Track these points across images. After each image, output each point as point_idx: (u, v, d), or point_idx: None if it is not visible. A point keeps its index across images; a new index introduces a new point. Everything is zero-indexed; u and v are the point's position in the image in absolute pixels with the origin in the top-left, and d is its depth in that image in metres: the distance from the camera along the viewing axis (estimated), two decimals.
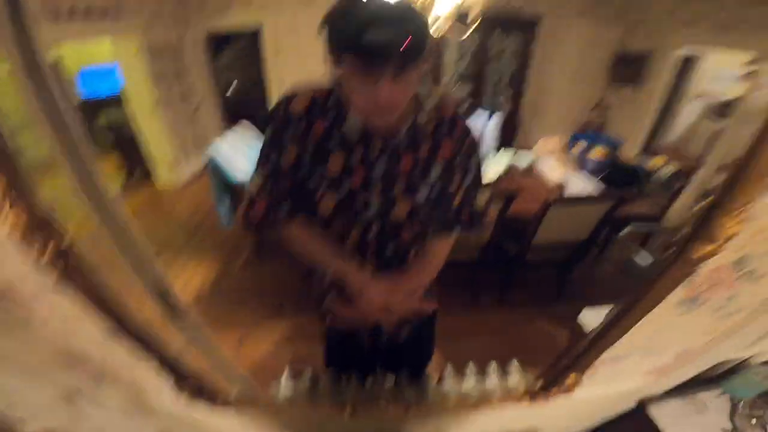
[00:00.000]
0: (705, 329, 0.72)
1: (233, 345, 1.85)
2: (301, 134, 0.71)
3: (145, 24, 3.18)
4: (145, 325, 0.61)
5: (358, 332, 0.97)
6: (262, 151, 0.74)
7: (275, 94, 3.96)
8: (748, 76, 3.63)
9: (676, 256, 0.55)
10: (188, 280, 2.29)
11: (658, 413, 0.93)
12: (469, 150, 0.77)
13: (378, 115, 0.64)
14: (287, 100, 0.71)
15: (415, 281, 0.84)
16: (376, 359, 1.09)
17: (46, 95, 0.44)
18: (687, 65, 3.60)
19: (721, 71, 3.67)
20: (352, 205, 0.74)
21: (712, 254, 0.52)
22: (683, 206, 2.11)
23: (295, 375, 1.09)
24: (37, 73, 0.43)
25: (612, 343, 0.72)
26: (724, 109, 3.76)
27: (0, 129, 0.37)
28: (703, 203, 0.51)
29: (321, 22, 0.60)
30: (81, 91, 4.48)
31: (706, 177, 2.13)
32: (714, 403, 0.94)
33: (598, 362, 0.79)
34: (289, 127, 0.71)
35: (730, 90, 3.71)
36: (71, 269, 0.45)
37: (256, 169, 0.75)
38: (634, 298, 0.64)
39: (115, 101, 3.82)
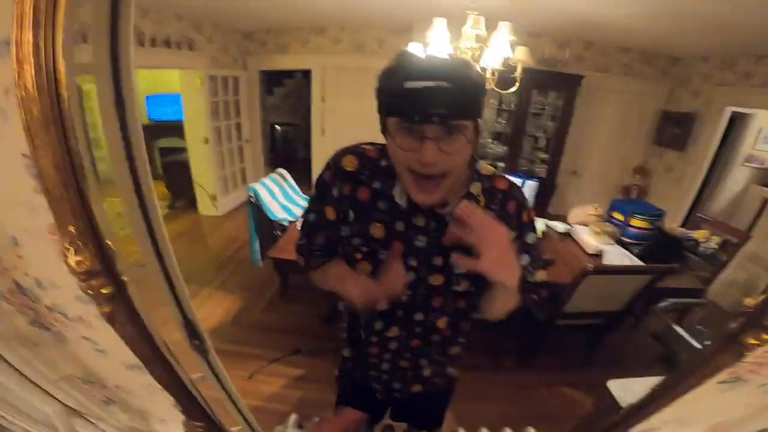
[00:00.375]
0: (744, 403, 0.69)
1: (243, 378, 1.85)
2: (347, 194, 0.69)
3: (212, 58, 3.50)
4: (170, 356, 0.62)
5: (372, 379, 0.93)
6: (312, 199, 0.76)
7: (317, 140, 4.13)
8: None
9: (727, 343, 0.54)
10: (210, 311, 2.34)
11: None
12: (523, 225, 0.70)
13: (421, 189, 0.60)
14: (339, 156, 0.70)
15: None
16: (386, 410, 1.05)
17: (124, 114, 0.47)
18: (736, 126, 3.43)
19: None
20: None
21: (764, 344, 0.51)
22: (727, 281, 1.96)
23: (302, 421, 1.06)
24: (122, 91, 0.46)
25: (646, 418, 0.69)
26: None
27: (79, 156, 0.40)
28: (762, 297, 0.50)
29: (375, 89, 0.58)
30: (149, 115, 4.93)
31: (754, 249, 1.99)
32: None
33: None
34: (336, 184, 0.69)
35: None
36: (120, 306, 0.48)
37: (306, 214, 0.79)
38: (678, 376, 0.62)
39: (174, 128, 4.11)
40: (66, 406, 0.70)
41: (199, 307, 2.37)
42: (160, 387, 0.65)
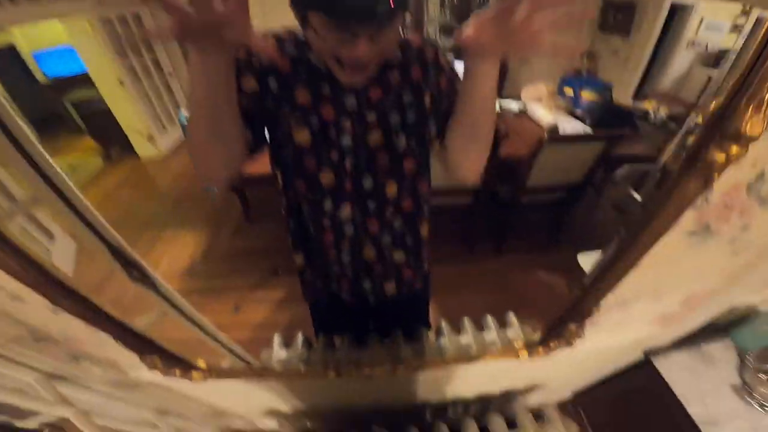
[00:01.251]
0: (716, 266, 0.66)
1: (229, 312, 1.83)
2: (265, 67, 0.64)
3: (96, 1, 2.95)
4: (91, 298, 0.57)
5: (337, 285, 0.90)
6: None
7: None
8: (735, 28, 3.59)
9: (690, 164, 0.48)
10: (177, 252, 2.24)
11: (665, 366, 0.89)
12: (439, 70, 0.69)
13: (351, 76, 0.60)
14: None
15: None
16: (366, 320, 1.04)
17: None
18: (677, 15, 3.52)
19: (713, 22, 3.62)
20: (326, 136, 0.68)
21: (733, 160, 0.44)
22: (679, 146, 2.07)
23: (288, 341, 1.06)
24: None
25: (615, 283, 0.66)
26: (716, 59, 3.69)
27: None
28: (716, 100, 0.44)
29: None
30: (44, 72, 4.30)
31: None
32: (722, 355, 0.89)
33: (601, 308, 0.73)
34: (252, 61, 0.63)
35: (722, 41, 3.65)
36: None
37: None
38: (640, 224, 0.57)
39: (83, 80, 3.60)
40: (43, 372, 0.67)
41: (166, 250, 2.26)
42: (94, 328, 0.60)
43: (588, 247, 1.33)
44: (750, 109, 0.41)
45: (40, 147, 0.47)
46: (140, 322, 0.71)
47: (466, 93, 0.61)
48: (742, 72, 0.41)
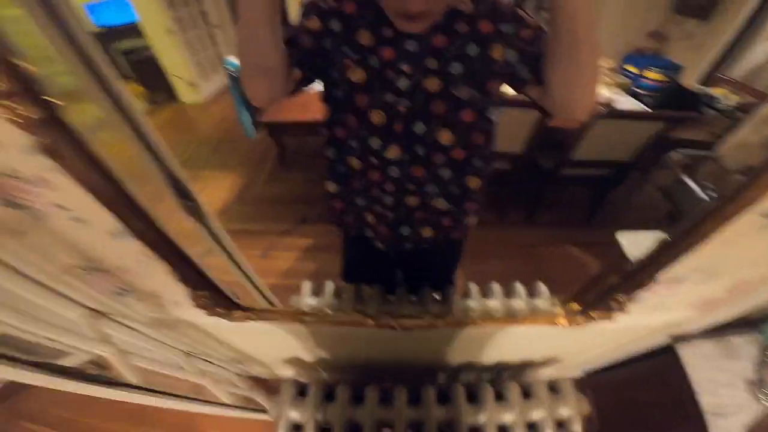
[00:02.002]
0: None
1: (257, 257, 1.88)
2: (331, 8, 0.66)
3: None
4: (163, 227, 0.57)
5: (373, 223, 0.90)
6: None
7: (293, 9, 3.76)
8: None
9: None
10: (213, 193, 2.31)
11: (688, 353, 0.87)
12: (519, 22, 0.66)
13: (410, 26, 0.61)
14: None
15: None
16: (396, 269, 1.05)
17: (62, 28, 0.42)
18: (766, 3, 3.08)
19: None
20: (383, 77, 0.67)
21: None
22: (739, 140, 1.90)
23: (317, 290, 1.07)
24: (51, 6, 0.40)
25: (676, 258, 0.62)
26: None
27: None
28: None
29: None
30: (94, 22, 4.42)
31: None
32: (745, 349, 0.87)
33: (653, 283, 0.69)
34: (319, 3, 0.66)
35: None
36: (60, 136, 0.40)
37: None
38: (711, 207, 0.53)
39: (132, 29, 3.76)
40: (88, 308, 0.68)
41: (200, 191, 2.32)
42: (153, 256, 0.60)
43: (623, 227, 1.26)
44: None
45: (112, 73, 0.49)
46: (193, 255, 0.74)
47: (559, 18, 0.55)
48: None
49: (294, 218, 2.03)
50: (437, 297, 0.95)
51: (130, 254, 0.58)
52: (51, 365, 0.60)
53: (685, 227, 0.60)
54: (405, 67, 0.66)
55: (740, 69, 3.60)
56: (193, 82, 3.64)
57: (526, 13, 0.67)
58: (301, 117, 1.88)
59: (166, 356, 0.91)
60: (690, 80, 2.79)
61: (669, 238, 0.64)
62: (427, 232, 0.90)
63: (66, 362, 0.72)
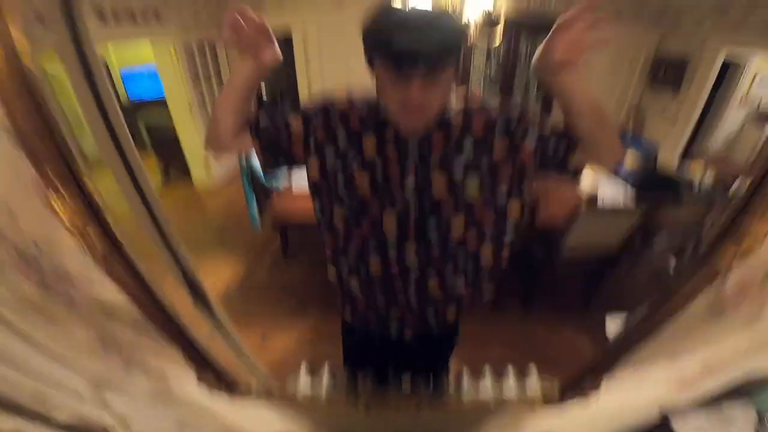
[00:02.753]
0: (734, 338, 0.69)
1: (255, 340, 1.90)
2: (334, 123, 0.76)
3: (183, 25, 3.31)
4: (175, 313, 0.64)
5: (377, 327, 0.96)
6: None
7: (305, 100, 4.00)
8: None
9: (702, 261, 0.53)
10: (217, 277, 2.38)
11: (682, 426, 0.87)
12: (509, 123, 0.73)
13: (410, 119, 0.68)
14: (323, 99, 0.79)
15: None
16: (394, 357, 1.07)
17: (95, 94, 0.49)
18: (731, 71, 3.40)
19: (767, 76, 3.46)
20: (389, 185, 0.75)
21: (742, 256, 0.49)
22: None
23: (313, 371, 1.11)
24: (89, 72, 0.48)
25: (635, 345, 0.70)
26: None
27: (57, 124, 0.41)
28: (732, 206, 0.49)
29: (361, 31, 0.64)
30: (127, 93, 4.78)
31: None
32: (741, 417, 0.86)
33: (620, 366, 0.75)
34: (320, 114, 0.77)
35: None
36: (113, 254, 0.48)
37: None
38: (659, 300, 0.62)
39: (157, 103, 3.98)
40: (94, 379, 0.72)
41: (206, 274, 2.37)
42: (168, 338, 0.67)
43: (621, 309, 1.28)
44: (756, 217, 0.47)
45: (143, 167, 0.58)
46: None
47: (568, 107, 0.68)
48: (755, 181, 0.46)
49: (295, 305, 2.07)
50: (433, 382, 0.99)
51: (147, 336, 0.65)
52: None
53: (640, 316, 0.67)
54: (411, 168, 0.74)
55: (716, 141, 3.79)
56: (207, 162, 3.78)
57: (530, 114, 0.74)
58: (306, 218, 1.97)
59: (161, 425, 0.92)
60: (669, 157, 2.94)
61: (622, 333, 0.70)
62: (450, 315, 0.95)
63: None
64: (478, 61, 3.60)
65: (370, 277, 0.87)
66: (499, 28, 1.96)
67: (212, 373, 0.79)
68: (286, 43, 3.90)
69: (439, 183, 0.74)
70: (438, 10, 0.62)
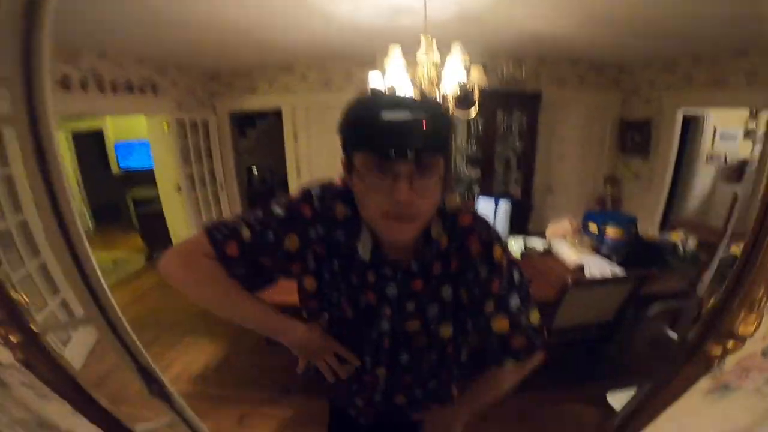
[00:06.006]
0: (745, 409, 0.62)
1: (233, 423, 1.77)
2: (321, 236, 0.66)
3: (177, 102, 3.44)
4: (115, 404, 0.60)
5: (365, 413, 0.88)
6: (264, 215, 0.65)
7: (293, 180, 4.09)
8: (748, 134, 3.62)
9: (692, 355, 0.51)
10: (194, 358, 2.26)
11: None
12: (494, 264, 0.65)
13: (395, 228, 0.56)
14: (328, 199, 0.66)
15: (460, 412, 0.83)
16: None
17: (46, 164, 0.47)
18: (692, 128, 3.62)
19: (726, 131, 3.69)
20: (366, 315, 0.70)
21: (731, 352, 0.47)
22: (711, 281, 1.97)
23: None
24: (42, 141, 0.46)
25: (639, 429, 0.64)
26: (738, 171, 3.68)
27: None
28: (713, 299, 0.47)
29: (338, 125, 0.57)
30: (119, 163, 4.86)
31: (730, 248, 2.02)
32: None
33: None
34: (315, 225, 0.66)
35: (739, 149, 3.70)
36: (35, 354, 0.47)
37: (248, 220, 0.65)
38: (655, 388, 0.60)
39: (147, 177, 4.03)
40: None
41: (183, 354, 2.31)
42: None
43: (624, 380, 1.21)
44: (742, 312, 0.44)
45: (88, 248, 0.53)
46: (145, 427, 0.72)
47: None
48: (735, 273, 0.44)
49: (276, 387, 1.95)
50: None
51: (89, 427, 0.58)
52: None
53: (633, 406, 0.64)
54: (387, 311, 0.68)
55: (692, 203, 3.93)
56: None
57: (504, 256, 0.67)
58: (288, 303, 1.91)
59: None
60: (649, 228, 2.99)
61: (620, 420, 0.66)
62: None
63: None
64: (459, 140, 3.68)
65: (347, 380, 0.81)
66: (476, 98, 2.03)
67: None
68: (276, 116, 4.10)
69: (413, 328, 0.70)
70: (426, 98, 0.59)
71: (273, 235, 0.64)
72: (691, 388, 0.55)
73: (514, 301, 0.67)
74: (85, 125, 4.80)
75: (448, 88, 1.83)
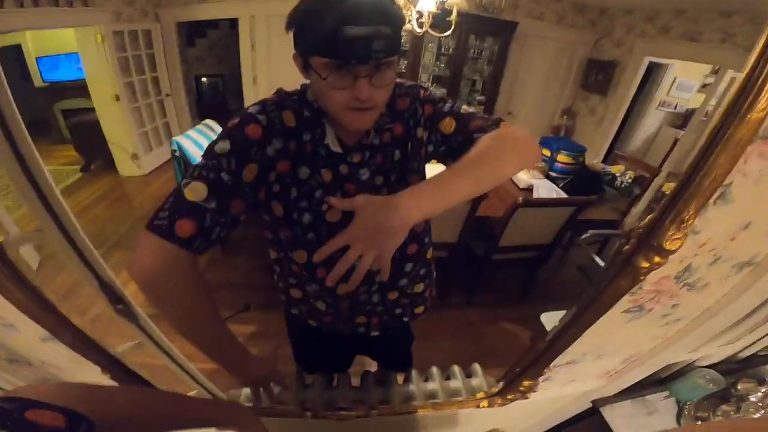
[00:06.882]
0: (651, 335, 0.75)
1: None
2: (280, 149, 0.63)
3: (114, 12, 3.02)
4: (85, 325, 0.58)
5: (338, 328, 0.91)
6: (209, 160, 0.58)
7: (249, 89, 3.80)
8: (705, 87, 3.88)
9: (622, 267, 0.56)
10: None
11: (611, 414, 0.96)
12: (422, 102, 0.73)
13: (356, 120, 0.59)
14: (271, 110, 0.62)
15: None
16: (354, 353, 1.08)
17: None
18: (653, 75, 3.81)
19: (685, 81, 3.92)
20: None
21: (656, 267, 0.53)
22: (640, 212, 2.21)
23: None
24: None
25: (563, 349, 0.74)
26: (684, 119, 4.01)
27: None
28: (648, 217, 0.52)
29: (287, 21, 0.56)
30: (42, 76, 4.27)
31: (661, 184, 2.25)
32: (662, 404, 0.97)
33: (552, 367, 0.81)
34: (270, 140, 0.61)
35: (691, 100, 3.97)
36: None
37: (197, 176, 0.57)
38: (583, 306, 0.66)
39: (78, 88, 3.64)
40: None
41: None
42: (83, 357, 0.61)
43: (555, 302, 1.38)
44: (672, 229, 0.49)
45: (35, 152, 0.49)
46: (117, 350, 0.72)
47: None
48: (671, 193, 0.49)
49: (235, 305, 1.97)
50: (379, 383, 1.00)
51: (60, 355, 0.59)
52: None
53: (566, 323, 0.71)
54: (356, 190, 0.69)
55: (636, 142, 4.22)
56: (135, 153, 3.48)
57: (427, 95, 0.74)
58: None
59: None
60: (594, 159, 3.21)
61: (555, 332, 0.74)
62: (412, 315, 0.96)
63: None
64: (426, 59, 3.63)
65: (333, 297, 0.83)
66: (453, 19, 1.96)
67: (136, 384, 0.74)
68: (232, 25, 3.69)
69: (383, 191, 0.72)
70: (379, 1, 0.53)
71: (228, 176, 0.57)
72: (613, 308, 0.62)
73: (451, 105, 0.74)
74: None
75: (427, 5, 1.74)
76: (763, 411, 0.88)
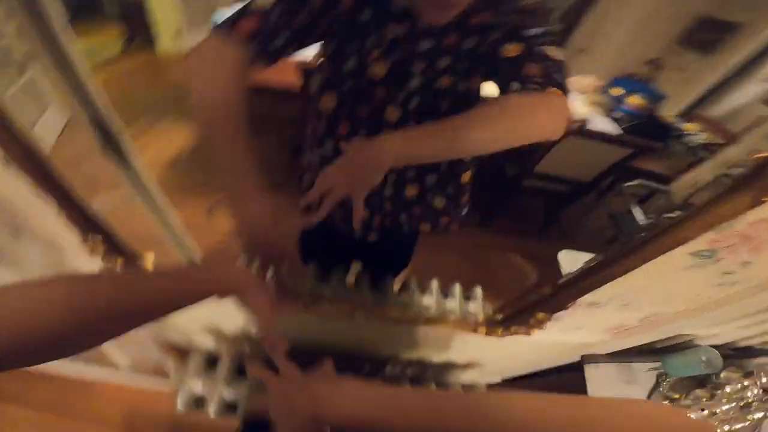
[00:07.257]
0: (692, 294, 0.66)
1: (202, 213, 1.85)
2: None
3: None
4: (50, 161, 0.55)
5: (341, 222, 0.91)
6: None
7: None
8: None
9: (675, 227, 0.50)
10: (169, 143, 2.24)
11: (593, 373, 0.95)
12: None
13: (439, 11, 0.60)
14: None
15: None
16: (351, 253, 1.05)
17: None
18: None
19: None
20: (398, 74, 0.66)
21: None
22: (692, 178, 1.94)
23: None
24: None
25: (601, 284, 0.67)
26: None
27: None
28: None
29: None
30: None
31: (733, 156, 1.94)
32: (644, 375, 0.95)
33: (572, 305, 0.74)
34: None
35: None
36: None
37: None
38: (624, 250, 0.59)
39: None
40: None
41: (157, 138, 2.28)
42: (40, 192, 0.58)
43: (570, 246, 1.28)
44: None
45: None
46: (100, 202, 0.69)
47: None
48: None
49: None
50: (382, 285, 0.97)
51: (20, 190, 0.56)
52: None
53: (609, 257, 0.63)
54: (418, 67, 0.65)
55: (721, 108, 3.70)
56: (179, 29, 3.41)
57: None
58: (275, 83, 1.81)
59: None
60: (670, 112, 2.85)
61: (592, 265, 0.66)
62: (425, 228, 0.93)
63: None
64: None
65: None
66: None
67: (102, 237, 0.70)
68: None
69: (444, 84, 0.67)
70: None
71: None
72: (688, 243, 0.54)
73: (531, 32, 0.61)
74: None
75: None
76: (733, 404, 0.80)
